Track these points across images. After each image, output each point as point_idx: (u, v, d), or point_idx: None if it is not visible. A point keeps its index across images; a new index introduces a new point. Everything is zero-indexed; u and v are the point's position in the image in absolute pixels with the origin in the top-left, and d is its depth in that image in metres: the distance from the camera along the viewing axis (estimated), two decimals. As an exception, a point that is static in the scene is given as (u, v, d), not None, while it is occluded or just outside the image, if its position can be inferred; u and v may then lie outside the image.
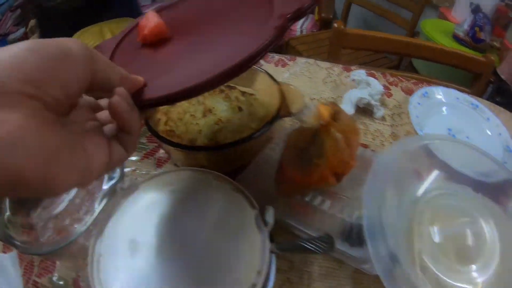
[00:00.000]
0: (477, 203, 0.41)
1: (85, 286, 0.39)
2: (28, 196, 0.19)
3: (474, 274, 0.36)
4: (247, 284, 0.31)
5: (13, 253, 0.41)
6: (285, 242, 0.35)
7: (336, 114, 0.35)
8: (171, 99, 0.27)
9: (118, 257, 0.33)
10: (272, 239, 0.35)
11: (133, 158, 0.55)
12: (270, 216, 0.35)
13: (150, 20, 0.35)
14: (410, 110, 0.62)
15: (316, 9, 1.87)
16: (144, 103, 0.27)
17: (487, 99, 0.76)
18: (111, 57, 0.35)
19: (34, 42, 0.20)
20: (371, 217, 0.33)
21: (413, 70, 1.62)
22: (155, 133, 0.41)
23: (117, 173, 0.38)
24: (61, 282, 0.41)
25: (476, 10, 1.38)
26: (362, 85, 0.65)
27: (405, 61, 1.70)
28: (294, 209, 0.40)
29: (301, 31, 1.83)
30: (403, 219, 0.37)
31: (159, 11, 0.39)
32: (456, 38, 1.42)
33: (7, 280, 0.39)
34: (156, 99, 0.27)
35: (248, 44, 0.28)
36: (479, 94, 0.92)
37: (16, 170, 0.17)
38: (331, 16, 1.77)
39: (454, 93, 0.72)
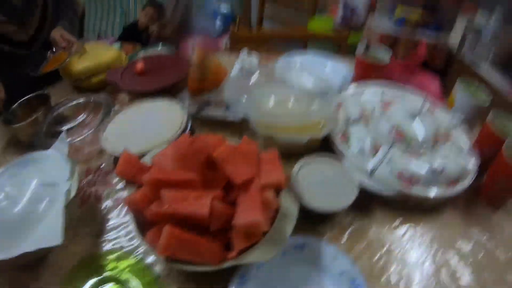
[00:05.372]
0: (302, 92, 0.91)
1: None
2: None
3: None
4: (177, 131, 0.80)
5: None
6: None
7: (207, 55, 0.85)
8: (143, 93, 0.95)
9: (113, 137, 0.81)
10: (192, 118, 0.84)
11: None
12: (185, 103, 0.85)
13: (139, 65, 1.03)
14: (276, 66, 1.14)
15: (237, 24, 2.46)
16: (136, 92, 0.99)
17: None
18: (121, 77, 1.01)
19: None
20: (230, 95, 0.82)
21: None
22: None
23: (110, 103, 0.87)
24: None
25: (345, 4, 2.01)
26: (246, 59, 1.16)
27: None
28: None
29: (226, 45, 2.39)
30: (254, 100, 0.86)
31: (143, 59, 1.09)
32: (334, 28, 2.04)
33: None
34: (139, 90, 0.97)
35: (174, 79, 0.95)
36: (344, 56, 1.44)
37: None
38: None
39: (311, 55, 1.25)
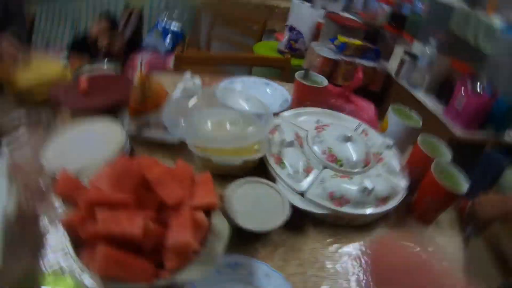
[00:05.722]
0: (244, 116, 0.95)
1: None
2: None
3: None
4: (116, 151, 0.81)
5: None
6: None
7: (147, 79, 0.88)
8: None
9: (53, 156, 0.80)
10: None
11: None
12: (125, 123, 0.86)
13: (82, 83, 1.01)
14: (216, 92, 1.17)
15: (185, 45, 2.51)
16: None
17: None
18: (64, 94, 0.99)
19: None
20: (168, 117, 0.85)
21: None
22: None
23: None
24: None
25: (291, 29, 2.12)
26: (188, 81, 1.19)
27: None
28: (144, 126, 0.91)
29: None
30: (192, 123, 0.90)
31: (87, 77, 1.05)
32: (279, 51, 2.16)
33: None
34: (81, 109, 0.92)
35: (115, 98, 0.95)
36: (286, 80, 1.52)
37: None
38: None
39: (252, 79, 1.31)
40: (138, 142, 0.94)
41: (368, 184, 0.77)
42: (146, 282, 0.56)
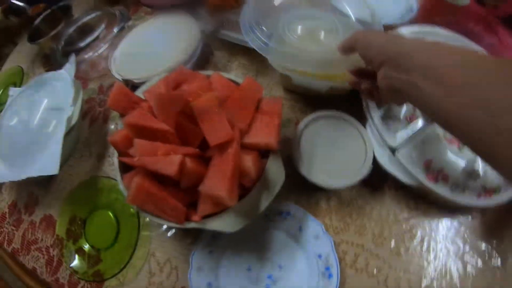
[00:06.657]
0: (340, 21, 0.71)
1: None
2: None
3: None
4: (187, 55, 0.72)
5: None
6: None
7: None
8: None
9: (122, 57, 0.76)
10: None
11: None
12: (202, 21, 0.76)
13: None
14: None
15: None
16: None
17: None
18: None
19: None
20: (247, 18, 0.68)
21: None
22: None
23: (125, 16, 0.81)
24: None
25: None
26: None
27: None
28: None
29: None
30: (277, 27, 0.70)
31: None
32: None
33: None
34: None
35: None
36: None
37: None
38: None
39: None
40: (218, 42, 0.83)
41: (480, 167, 0.56)
42: (176, 222, 0.53)
